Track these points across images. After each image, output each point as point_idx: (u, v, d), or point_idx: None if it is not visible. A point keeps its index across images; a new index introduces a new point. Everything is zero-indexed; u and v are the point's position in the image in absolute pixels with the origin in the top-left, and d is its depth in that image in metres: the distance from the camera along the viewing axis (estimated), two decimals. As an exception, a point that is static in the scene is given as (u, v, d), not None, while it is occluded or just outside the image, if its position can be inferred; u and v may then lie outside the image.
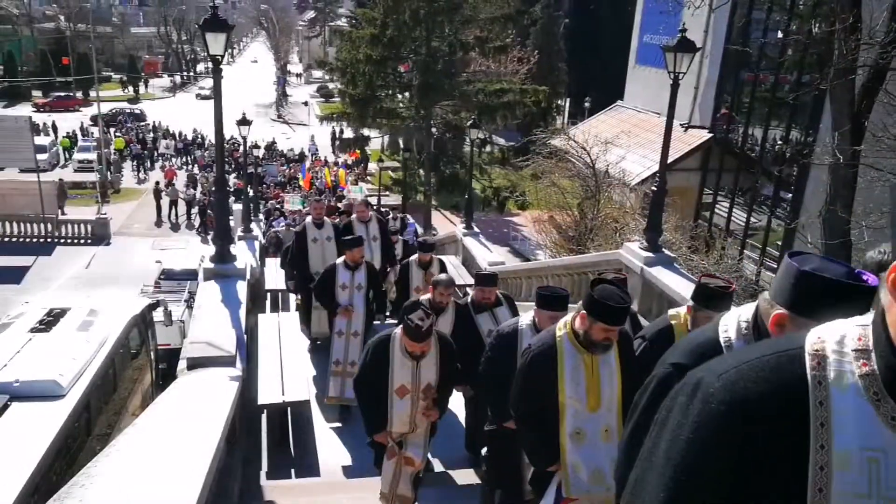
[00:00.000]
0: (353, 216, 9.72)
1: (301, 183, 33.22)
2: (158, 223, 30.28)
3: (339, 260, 7.37)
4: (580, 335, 3.68)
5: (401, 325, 4.71)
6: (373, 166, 39.37)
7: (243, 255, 8.74)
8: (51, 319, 7.51)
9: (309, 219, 9.46)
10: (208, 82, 58.11)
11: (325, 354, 8.31)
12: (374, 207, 12.59)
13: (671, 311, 4.27)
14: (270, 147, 43.72)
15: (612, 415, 3.78)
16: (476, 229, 16.23)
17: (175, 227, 30.10)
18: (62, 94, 57.23)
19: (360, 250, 7.35)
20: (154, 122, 49.48)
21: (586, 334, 3.64)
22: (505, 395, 4.06)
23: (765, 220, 20.17)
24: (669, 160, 16.02)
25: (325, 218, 9.61)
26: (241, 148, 22.05)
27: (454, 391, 5.56)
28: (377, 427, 4.89)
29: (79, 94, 58.86)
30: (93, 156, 36.35)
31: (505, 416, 4.28)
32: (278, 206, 27.96)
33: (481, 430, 5.95)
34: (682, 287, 8.89)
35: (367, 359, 4.93)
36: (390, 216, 15.21)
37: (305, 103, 60.61)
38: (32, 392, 5.94)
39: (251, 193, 22.65)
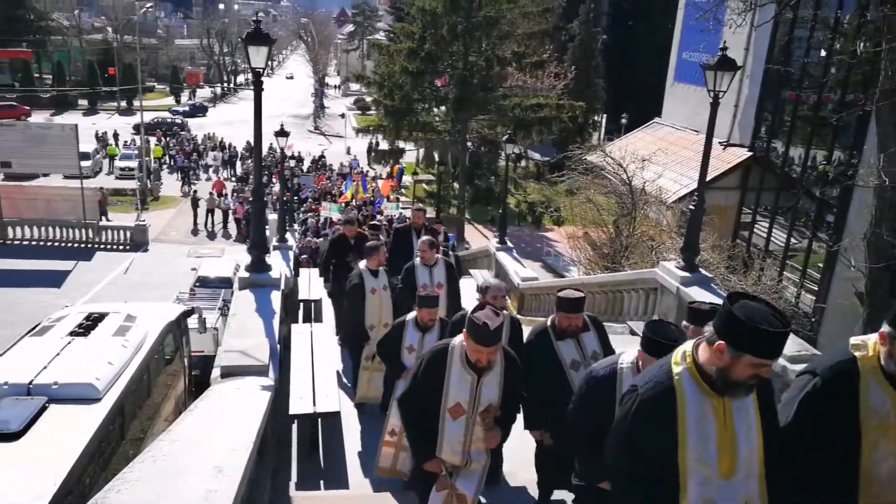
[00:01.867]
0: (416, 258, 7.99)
1: (346, 194, 31.93)
2: (195, 231, 30.78)
3: (410, 317, 5.97)
4: (711, 372, 2.65)
5: (462, 333, 4.02)
6: (407, 179, 39.58)
7: (278, 265, 8.78)
8: (89, 324, 7.62)
9: (363, 265, 7.65)
10: (247, 93, 59.41)
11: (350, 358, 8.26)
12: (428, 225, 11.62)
13: (853, 340, 3.08)
14: (318, 161, 43.87)
15: (753, 482, 2.75)
16: (509, 244, 16.17)
17: (211, 236, 30.59)
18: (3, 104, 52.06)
19: (436, 311, 5.96)
20: (207, 133, 50.02)
21: (724, 372, 2.60)
22: (599, 452, 3.12)
23: (805, 241, 19.79)
24: (708, 178, 15.83)
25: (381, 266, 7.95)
26: (282, 159, 22.42)
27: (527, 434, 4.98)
28: (427, 454, 4.24)
29: (123, 103, 60.51)
30: (134, 163, 37.20)
31: (597, 477, 3.55)
32: (314, 218, 28.18)
33: (550, 477, 5.32)
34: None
35: (419, 371, 4.24)
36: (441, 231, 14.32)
37: (342, 115, 61.28)
38: (69, 395, 6.03)
39: (286, 203, 22.90)
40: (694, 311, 4.40)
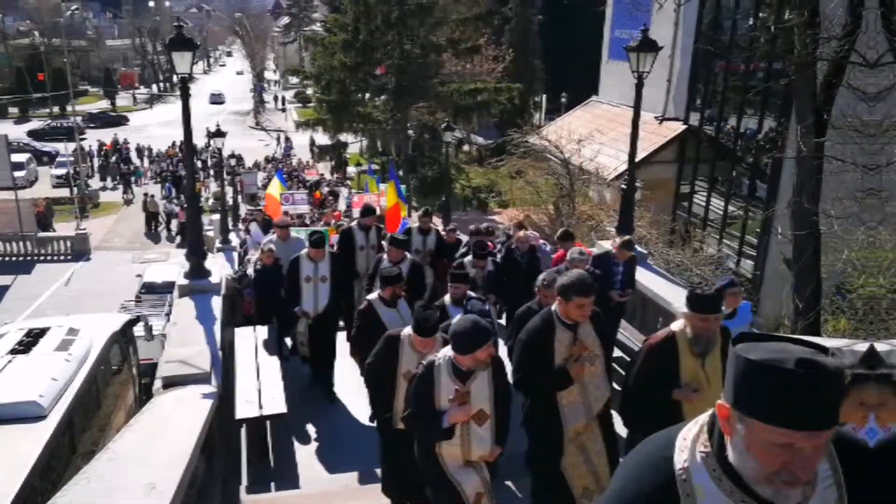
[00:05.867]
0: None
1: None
2: (149, 234, 30.28)
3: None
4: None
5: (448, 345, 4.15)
6: (351, 169, 39.43)
7: (219, 269, 8.76)
8: (30, 340, 7.51)
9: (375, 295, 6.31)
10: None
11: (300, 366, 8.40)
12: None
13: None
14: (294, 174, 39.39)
15: None
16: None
17: (155, 239, 30.01)
18: None
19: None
20: (140, 144, 47.46)
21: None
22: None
23: (744, 208, 20.39)
24: (645, 153, 16.28)
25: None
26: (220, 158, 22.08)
27: None
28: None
29: (55, 109, 58.37)
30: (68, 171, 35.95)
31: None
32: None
33: None
34: (656, 284, 9.09)
35: (412, 394, 4.31)
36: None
37: (283, 110, 60.49)
38: (13, 414, 5.95)
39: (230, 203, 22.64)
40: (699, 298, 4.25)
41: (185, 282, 8.01)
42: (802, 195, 9.88)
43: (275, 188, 18.45)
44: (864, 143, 9.47)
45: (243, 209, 29.69)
